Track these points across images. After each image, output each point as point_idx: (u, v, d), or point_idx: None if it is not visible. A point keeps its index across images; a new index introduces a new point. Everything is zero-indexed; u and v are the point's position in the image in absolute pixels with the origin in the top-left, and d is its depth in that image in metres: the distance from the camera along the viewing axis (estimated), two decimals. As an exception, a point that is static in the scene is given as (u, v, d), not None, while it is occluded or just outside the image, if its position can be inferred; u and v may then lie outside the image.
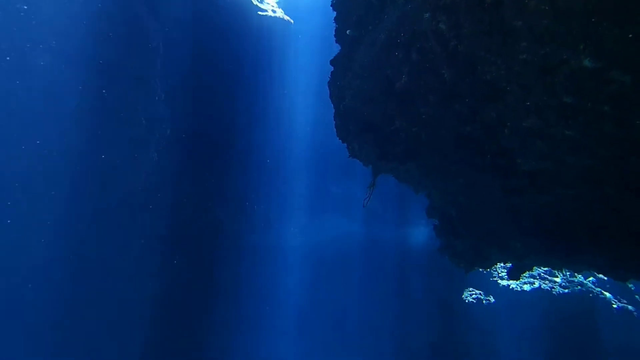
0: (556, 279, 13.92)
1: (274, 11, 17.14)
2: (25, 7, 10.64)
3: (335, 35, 8.37)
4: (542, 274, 14.33)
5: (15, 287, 11.39)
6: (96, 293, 12.79)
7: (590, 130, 4.01)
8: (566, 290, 13.39)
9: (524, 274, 14.42)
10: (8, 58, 10.68)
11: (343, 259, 17.30)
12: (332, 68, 8.54)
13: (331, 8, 8.29)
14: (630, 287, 13.60)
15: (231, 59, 15.75)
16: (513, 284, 14.42)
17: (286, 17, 17.43)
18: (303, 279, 17.13)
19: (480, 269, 15.28)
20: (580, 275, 13.94)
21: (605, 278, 13.79)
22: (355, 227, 18.10)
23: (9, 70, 10.72)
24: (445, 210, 9.05)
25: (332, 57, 8.47)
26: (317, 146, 18.98)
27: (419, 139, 6.90)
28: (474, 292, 15.33)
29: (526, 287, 14.04)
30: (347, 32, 7.84)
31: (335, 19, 8.25)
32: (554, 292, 13.43)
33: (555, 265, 8.55)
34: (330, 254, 17.60)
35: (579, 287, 13.36)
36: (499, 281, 14.96)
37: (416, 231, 17.66)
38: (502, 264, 14.75)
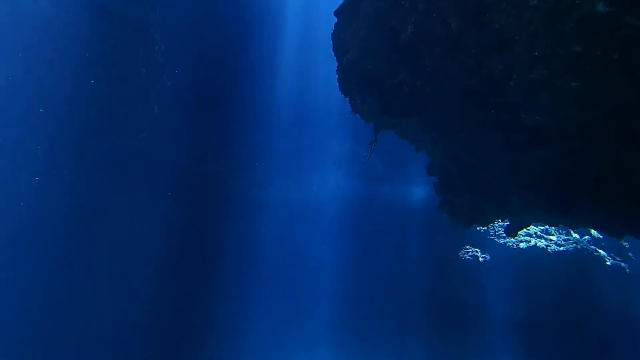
0: (552, 238, 14.18)
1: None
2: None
3: (339, -15, 8.09)
4: (538, 233, 14.58)
5: (15, 243, 11.58)
6: (99, 247, 13.05)
7: (597, 80, 3.97)
8: (561, 248, 13.68)
9: (521, 232, 14.69)
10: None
11: (342, 215, 17.54)
12: (335, 19, 8.33)
13: (335, -44, 7.99)
14: (625, 245, 13.89)
15: (232, 9, 15.30)
16: (509, 241, 14.69)
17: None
18: (302, 233, 17.43)
19: (478, 227, 15.61)
20: (576, 234, 14.20)
21: (601, 236, 14.07)
22: (355, 184, 18.24)
23: (6, 13, 10.45)
24: (446, 167, 9.09)
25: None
26: (320, 102, 18.80)
27: (422, 93, 6.84)
28: (470, 250, 15.64)
29: (522, 245, 14.32)
30: (352, -20, 7.58)
31: (340, -32, 7.96)
32: (549, 250, 13.72)
33: (553, 221, 8.68)
34: (330, 210, 17.82)
35: (574, 245, 13.64)
36: (496, 239, 15.23)
37: (416, 190, 17.81)
38: (499, 222, 14.97)
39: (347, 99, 8.99)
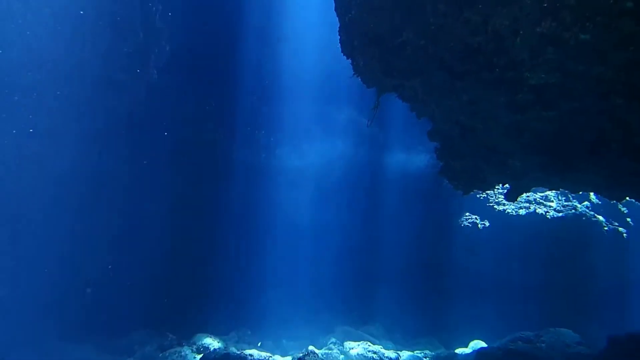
0: (551, 204, 14.28)
1: None
2: None
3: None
4: (537, 199, 14.67)
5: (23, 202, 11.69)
6: (101, 211, 13.20)
7: (607, 32, 3.89)
8: (560, 214, 13.80)
9: (521, 199, 14.77)
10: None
11: (342, 183, 17.59)
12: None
13: None
14: (623, 210, 14.02)
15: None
16: (509, 208, 14.80)
17: None
18: (302, 201, 17.52)
19: (478, 194, 15.70)
20: (575, 200, 14.30)
21: (600, 202, 14.17)
22: (355, 152, 18.20)
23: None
24: (448, 131, 9.05)
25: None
26: (320, 70, 18.53)
27: (426, 53, 6.72)
28: (470, 217, 15.77)
29: (522, 212, 14.43)
30: None
31: None
32: (548, 216, 13.84)
33: (553, 184, 8.72)
34: (330, 178, 17.85)
35: (573, 210, 13.75)
36: (495, 206, 15.33)
37: (416, 158, 17.80)
38: (499, 189, 15.03)
39: (349, 61, 8.89)
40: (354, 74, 9.00)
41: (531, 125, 6.71)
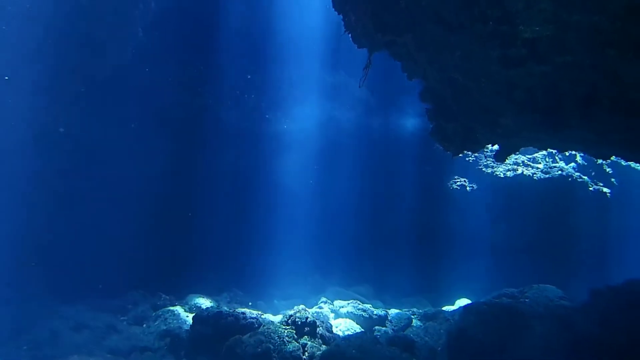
0: (539, 166, 14.47)
1: None
2: None
3: None
4: (525, 161, 14.85)
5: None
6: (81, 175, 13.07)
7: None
8: (547, 176, 14.02)
9: (509, 161, 14.94)
10: None
11: (332, 147, 17.58)
12: None
13: None
14: (608, 171, 14.29)
15: None
16: (497, 170, 14.97)
17: None
18: (294, 165, 17.52)
19: (467, 157, 15.81)
20: (562, 162, 14.52)
21: (586, 163, 14.40)
22: (345, 116, 18.10)
23: None
24: (439, 91, 8.99)
25: None
26: (311, 32, 18.15)
27: (419, 5, 6.58)
28: (459, 180, 15.95)
29: (509, 174, 14.62)
30: None
31: None
32: (535, 178, 14.06)
33: (543, 142, 8.78)
34: (321, 140, 17.80)
35: (560, 172, 13.97)
36: (484, 169, 15.50)
37: (406, 122, 17.78)
38: (488, 152, 15.17)
39: (341, 23, 8.69)
40: (345, 31, 8.83)
41: (523, 82, 6.68)
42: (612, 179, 14.14)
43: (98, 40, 11.37)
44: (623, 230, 14.47)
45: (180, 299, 12.51)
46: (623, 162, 14.45)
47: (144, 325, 10.81)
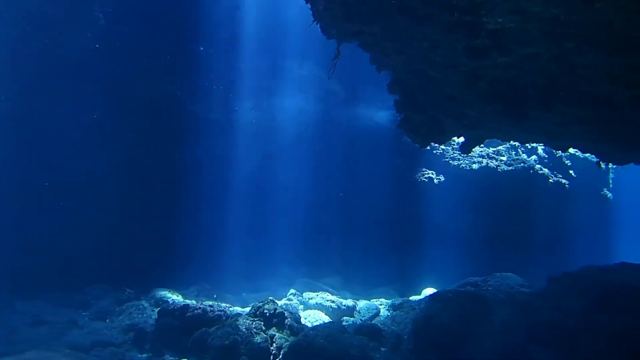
0: (502, 158, 14.91)
1: None
2: None
3: None
4: (490, 154, 15.26)
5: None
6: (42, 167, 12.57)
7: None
8: (510, 168, 14.46)
9: (474, 154, 15.32)
10: None
11: (302, 138, 17.53)
12: None
13: None
14: (567, 163, 14.89)
15: None
16: (463, 163, 15.32)
17: None
18: (263, 156, 17.39)
19: (435, 150, 16.10)
20: (524, 155, 15.01)
21: (546, 155, 14.94)
22: (315, 108, 18.08)
23: None
24: (407, 82, 9.10)
25: None
26: (280, 24, 18.01)
27: (387, -5, 6.60)
28: (427, 172, 16.23)
29: (475, 166, 15.00)
30: None
31: None
32: (499, 170, 14.48)
33: (506, 134, 9.03)
34: (291, 132, 17.72)
35: (522, 164, 14.45)
36: (450, 162, 15.83)
37: (375, 115, 17.92)
38: (456, 144, 15.49)
39: (310, 14, 8.63)
40: (313, 20, 8.78)
41: (487, 73, 6.84)
42: (571, 171, 14.75)
43: (52, 19, 10.76)
44: (580, 219, 15.17)
45: (146, 293, 12.21)
46: (581, 155, 15.11)
47: (108, 320, 10.49)
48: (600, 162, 9.24)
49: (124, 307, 10.89)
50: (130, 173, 14.06)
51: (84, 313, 10.82)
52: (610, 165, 13.19)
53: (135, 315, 10.35)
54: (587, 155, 14.49)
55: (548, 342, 7.33)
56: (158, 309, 10.57)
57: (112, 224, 13.47)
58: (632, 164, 8.93)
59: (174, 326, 9.41)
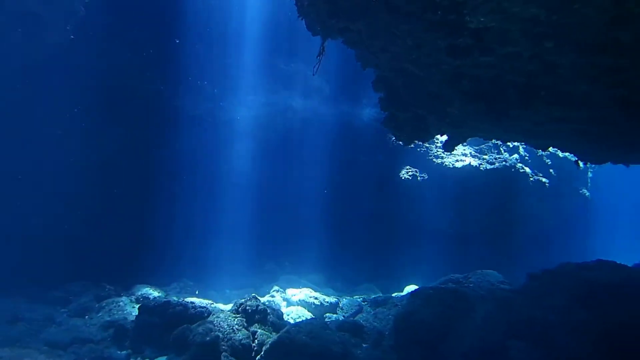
0: (485, 157, 15.10)
1: None
2: None
3: None
4: (473, 153, 15.44)
5: None
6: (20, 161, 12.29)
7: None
8: (492, 166, 14.66)
9: (457, 152, 15.48)
10: None
11: (288, 135, 17.48)
12: None
13: None
14: (547, 162, 15.16)
15: None
16: (446, 161, 15.46)
17: None
18: (247, 153, 17.29)
19: (418, 148, 16.21)
20: (506, 153, 15.23)
21: (528, 154, 15.18)
22: (301, 104, 18.03)
23: None
24: (392, 80, 9.14)
25: None
26: (267, 20, 17.89)
27: (372, -8, 6.60)
28: (410, 170, 16.33)
29: (458, 165, 15.15)
30: None
31: None
32: (481, 168, 14.66)
33: (489, 132, 9.12)
34: (276, 129, 17.65)
35: (504, 163, 14.65)
36: (434, 159, 15.96)
37: (360, 112, 17.98)
38: (439, 142, 15.63)
39: (295, 10, 8.59)
40: (298, 16, 8.75)
41: (470, 72, 6.90)
42: (551, 170, 15.03)
43: (30, 10, 10.51)
44: (559, 217, 15.47)
45: (127, 290, 12.07)
46: (560, 154, 15.39)
47: (87, 316, 10.33)
48: (579, 161, 9.43)
49: (104, 304, 10.74)
50: (112, 168, 13.85)
51: (62, 310, 10.63)
52: (589, 164, 13.48)
53: (115, 312, 10.22)
54: (566, 154, 14.79)
55: (527, 337, 7.46)
56: (139, 305, 10.44)
57: (93, 219, 13.26)
58: (609, 163, 9.13)
59: (155, 323, 9.31)
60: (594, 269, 8.35)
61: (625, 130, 6.92)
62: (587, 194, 17.93)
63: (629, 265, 9.31)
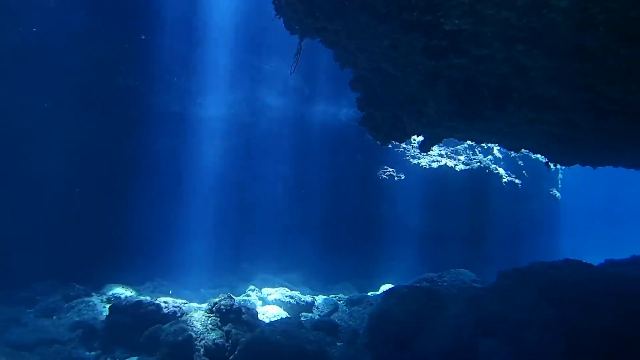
0: (460, 157, 15.37)
1: None
2: None
3: None
4: (448, 154, 15.70)
5: None
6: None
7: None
8: (467, 167, 14.93)
9: (433, 153, 15.70)
10: None
11: (266, 133, 17.39)
12: None
13: None
14: (520, 163, 15.54)
15: None
16: (423, 161, 15.68)
17: None
18: (225, 151, 17.11)
19: (396, 149, 16.37)
20: (481, 154, 15.55)
21: (501, 155, 15.51)
22: (278, 103, 17.95)
23: None
24: (369, 80, 9.19)
25: None
26: (245, 18, 17.75)
27: (348, -9, 6.61)
28: (387, 170, 16.49)
29: (434, 165, 15.38)
30: None
31: None
32: (457, 169, 14.92)
33: (463, 133, 9.26)
34: (254, 127, 17.53)
35: (479, 164, 14.95)
36: (411, 160, 16.16)
37: (340, 111, 18.03)
38: (416, 143, 15.82)
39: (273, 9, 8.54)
40: (276, 14, 8.70)
41: (445, 73, 6.99)
42: (523, 171, 15.42)
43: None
44: (531, 217, 15.86)
45: (97, 289, 11.76)
46: (532, 156, 15.80)
47: (54, 317, 10.02)
48: (550, 163, 9.68)
49: (73, 304, 10.44)
50: (84, 165, 13.48)
51: (28, 310, 10.29)
52: (559, 166, 13.86)
53: (85, 312, 9.95)
54: (538, 155, 15.19)
55: (497, 334, 7.61)
56: (110, 305, 10.19)
57: (62, 217, 12.87)
58: (577, 165, 9.40)
59: (126, 323, 9.11)
60: (562, 268, 8.58)
61: (592, 132, 7.14)
62: (558, 194, 18.47)
63: (595, 264, 9.61)
